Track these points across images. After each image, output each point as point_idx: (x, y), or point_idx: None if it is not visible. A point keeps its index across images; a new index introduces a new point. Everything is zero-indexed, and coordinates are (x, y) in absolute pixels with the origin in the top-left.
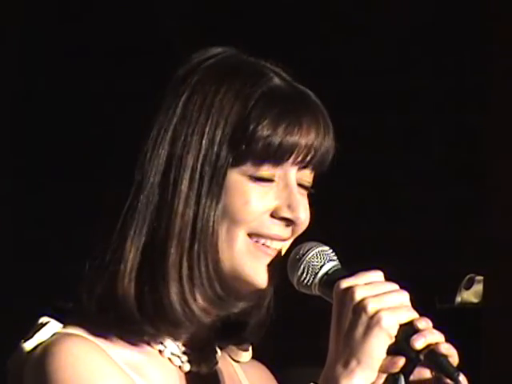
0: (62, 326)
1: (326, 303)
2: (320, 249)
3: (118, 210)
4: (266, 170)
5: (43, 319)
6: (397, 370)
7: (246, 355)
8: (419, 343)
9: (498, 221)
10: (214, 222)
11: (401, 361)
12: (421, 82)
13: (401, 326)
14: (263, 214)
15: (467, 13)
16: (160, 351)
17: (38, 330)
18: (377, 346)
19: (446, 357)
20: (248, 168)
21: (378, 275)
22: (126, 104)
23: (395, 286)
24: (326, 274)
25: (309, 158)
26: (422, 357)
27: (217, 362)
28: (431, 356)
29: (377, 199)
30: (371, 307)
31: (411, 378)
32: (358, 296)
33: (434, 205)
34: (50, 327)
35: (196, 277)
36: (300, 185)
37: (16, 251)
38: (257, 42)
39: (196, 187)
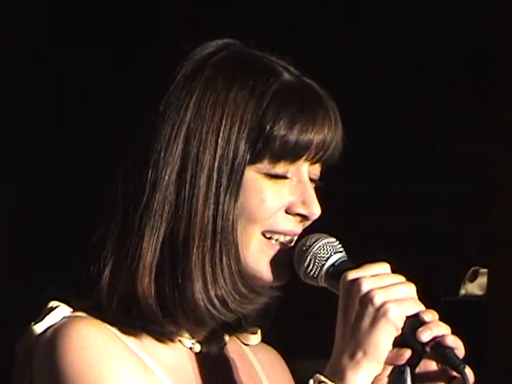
0: (71, 310)
1: (332, 295)
2: (327, 240)
3: (130, 207)
4: (280, 168)
5: (53, 303)
6: (403, 362)
7: (255, 338)
8: (425, 335)
9: (501, 216)
10: (233, 220)
11: (407, 353)
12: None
13: (407, 318)
14: (279, 210)
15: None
16: (169, 338)
17: (48, 314)
18: (383, 338)
19: (452, 349)
20: (264, 166)
21: (384, 267)
22: (130, 98)
23: (402, 279)
24: (333, 265)
25: (321, 153)
26: (428, 349)
27: (226, 343)
28: (437, 348)
29: (382, 193)
30: (378, 299)
31: (417, 370)
32: (365, 288)
33: (439, 199)
34: (60, 311)
35: (219, 275)
36: (310, 179)
37: (27, 244)
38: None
39: (214, 186)
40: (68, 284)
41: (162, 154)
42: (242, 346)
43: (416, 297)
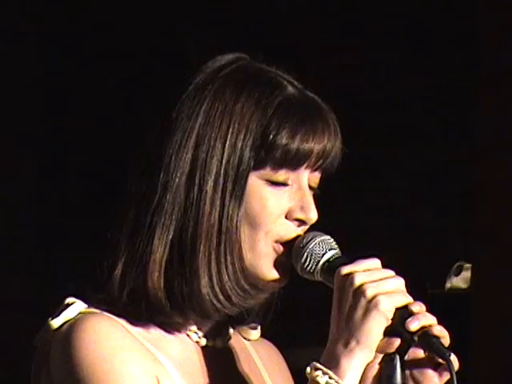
0: (86, 306)
1: (327, 288)
2: (322, 238)
3: (142, 207)
4: (282, 175)
5: (70, 299)
6: (393, 350)
7: (255, 333)
8: (414, 325)
9: (485, 213)
10: (237, 222)
11: (396, 342)
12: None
13: (397, 309)
14: (279, 216)
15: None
16: (176, 329)
17: (65, 309)
18: (375, 328)
19: (438, 338)
20: (266, 172)
21: (375, 262)
22: (144, 104)
23: (391, 273)
24: (328, 261)
25: (321, 162)
26: (416, 338)
27: (230, 338)
28: (425, 337)
29: (373, 193)
30: (370, 292)
31: (406, 357)
32: (358, 281)
33: (426, 199)
34: (76, 307)
35: (224, 272)
36: (309, 186)
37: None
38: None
39: (220, 189)
40: (86, 279)
41: (173, 158)
42: (244, 341)
43: (405, 290)
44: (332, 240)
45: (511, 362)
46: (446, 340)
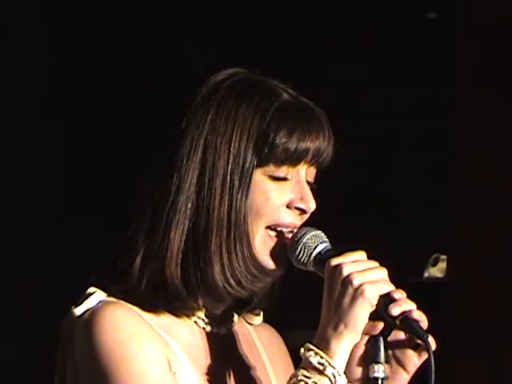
0: (105, 295)
1: (319, 278)
2: (314, 233)
3: (158, 206)
4: (283, 171)
5: (91, 289)
6: (377, 332)
7: (258, 319)
8: (396, 311)
9: (458, 211)
10: (245, 214)
11: (380, 325)
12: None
13: (380, 296)
14: (281, 206)
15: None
16: (187, 315)
17: (87, 298)
18: (361, 313)
19: (417, 322)
20: (269, 169)
21: (361, 255)
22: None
23: (376, 264)
24: (319, 253)
25: (316, 158)
26: (397, 322)
27: (234, 324)
28: (405, 321)
29: (361, 192)
30: (356, 281)
31: (389, 339)
32: (346, 272)
33: (408, 199)
34: (97, 296)
35: (234, 259)
36: (306, 181)
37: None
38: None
39: (228, 187)
40: (106, 271)
41: (185, 162)
42: (247, 325)
43: (388, 279)
44: (323, 234)
45: (480, 335)
46: (424, 323)
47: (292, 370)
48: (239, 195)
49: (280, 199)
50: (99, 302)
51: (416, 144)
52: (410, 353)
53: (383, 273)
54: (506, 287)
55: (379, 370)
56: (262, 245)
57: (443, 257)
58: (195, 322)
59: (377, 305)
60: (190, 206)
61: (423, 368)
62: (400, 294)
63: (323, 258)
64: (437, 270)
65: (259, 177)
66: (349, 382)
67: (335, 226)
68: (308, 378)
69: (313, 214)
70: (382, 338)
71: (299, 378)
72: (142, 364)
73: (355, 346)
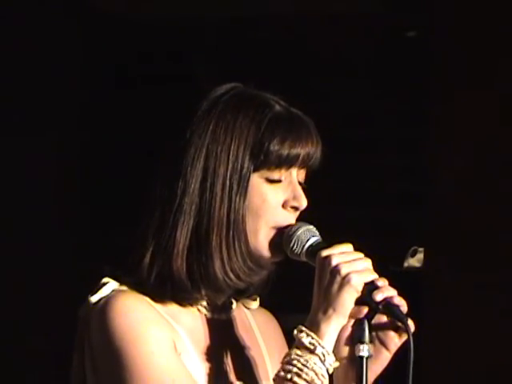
0: (118, 284)
1: (310, 267)
2: (306, 227)
3: (166, 208)
4: (277, 174)
5: (105, 279)
6: (362, 316)
7: (255, 304)
8: (379, 296)
9: (435, 208)
10: (242, 214)
11: (365, 309)
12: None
13: (365, 284)
14: (277, 207)
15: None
16: (191, 304)
17: (102, 288)
18: (348, 299)
19: (398, 306)
20: (264, 173)
21: (348, 247)
22: (164, 126)
23: (361, 255)
24: (311, 245)
25: (306, 162)
26: (380, 306)
27: (233, 310)
28: (387, 306)
29: (346, 191)
30: (344, 270)
31: (372, 321)
32: (334, 262)
33: (389, 197)
34: (110, 285)
35: (233, 255)
36: (298, 182)
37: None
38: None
39: (227, 190)
40: (119, 264)
41: (189, 169)
42: (245, 310)
43: (372, 268)
44: (315, 229)
45: (453, 319)
46: (404, 308)
47: (286, 350)
48: (237, 197)
49: (275, 200)
50: (113, 291)
51: (395, 149)
52: (392, 334)
53: (368, 263)
54: None
55: (364, 350)
56: (263, 239)
57: (421, 249)
58: (198, 309)
59: (362, 291)
60: (194, 207)
61: (403, 348)
62: (383, 282)
63: (314, 249)
64: (415, 261)
65: (256, 180)
66: (337, 360)
67: (325, 222)
68: (300, 357)
69: (305, 210)
70: (366, 321)
71: (292, 357)
72: (151, 345)
73: (342, 328)
